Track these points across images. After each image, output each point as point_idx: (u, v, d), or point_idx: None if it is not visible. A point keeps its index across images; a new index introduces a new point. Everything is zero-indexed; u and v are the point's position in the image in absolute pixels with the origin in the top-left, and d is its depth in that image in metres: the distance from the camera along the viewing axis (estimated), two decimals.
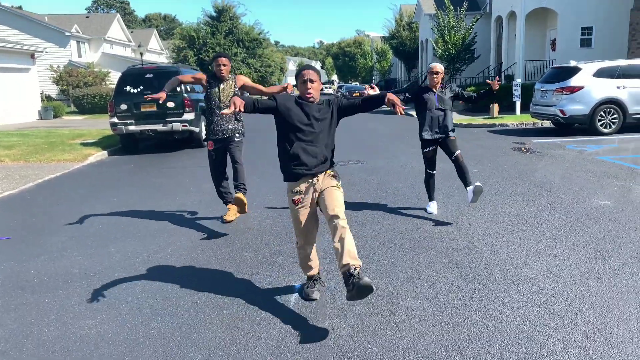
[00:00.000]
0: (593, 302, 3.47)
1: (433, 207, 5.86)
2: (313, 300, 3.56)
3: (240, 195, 5.27)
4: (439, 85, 5.57)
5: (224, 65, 5.48)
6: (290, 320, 3.38)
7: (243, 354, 2.99)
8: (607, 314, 3.29)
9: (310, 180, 3.39)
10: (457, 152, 5.56)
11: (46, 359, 3.01)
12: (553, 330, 3.10)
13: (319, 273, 3.75)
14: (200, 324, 3.37)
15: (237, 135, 5.62)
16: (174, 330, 3.30)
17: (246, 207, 5.32)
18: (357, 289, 2.91)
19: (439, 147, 5.69)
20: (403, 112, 3.32)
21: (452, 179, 7.49)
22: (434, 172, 5.84)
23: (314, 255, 3.65)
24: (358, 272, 2.98)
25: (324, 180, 3.41)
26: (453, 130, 5.66)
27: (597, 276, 3.89)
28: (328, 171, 3.44)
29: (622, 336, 3.02)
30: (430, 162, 5.78)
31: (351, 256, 3.03)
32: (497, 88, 5.59)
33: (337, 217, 3.16)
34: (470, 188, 5.42)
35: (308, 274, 3.71)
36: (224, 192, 5.82)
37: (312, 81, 3.37)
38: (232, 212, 5.74)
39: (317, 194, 3.40)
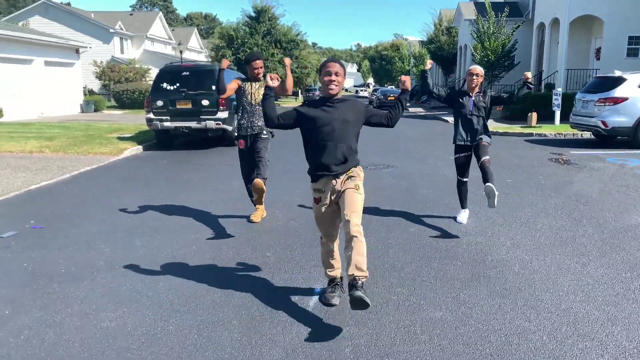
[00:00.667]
0: (627, 324, 3.29)
1: (463, 216, 5.71)
2: (332, 305, 3.49)
3: (259, 180, 5.29)
4: (477, 89, 5.42)
5: (261, 67, 5.54)
6: (308, 324, 3.34)
7: (258, 356, 2.96)
8: None
9: (332, 181, 3.37)
10: (485, 157, 5.34)
11: (66, 349, 3.06)
12: (581, 352, 2.96)
13: (341, 279, 3.67)
14: (218, 323, 3.37)
15: (264, 132, 5.63)
16: (192, 327, 3.31)
17: (264, 195, 5.42)
18: (352, 300, 3.00)
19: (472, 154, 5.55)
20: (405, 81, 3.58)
21: (483, 187, 7.30)
22: (466, 179, 5.69)
23: (336, 253, 3.61)
24: (361, 284, 3.04)
25: (344, 182, 3.37)
26: (489, 136, 5.50)
27: (632, 297, 3.69)
28: (350, 172, 3.40)
29: None
30: (461, 169, 5.63)
31: (358, 267, 3.07)
32: (529, 78, 5.47)
33: (349, 222, 3.18)
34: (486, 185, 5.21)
35: (330, 273, 3.63)
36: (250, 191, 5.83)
37: (337, 74, 3.34)
38: (259, 213, 5.76)
39: (335, 195, 3.39)
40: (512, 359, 2.90)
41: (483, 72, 5.43)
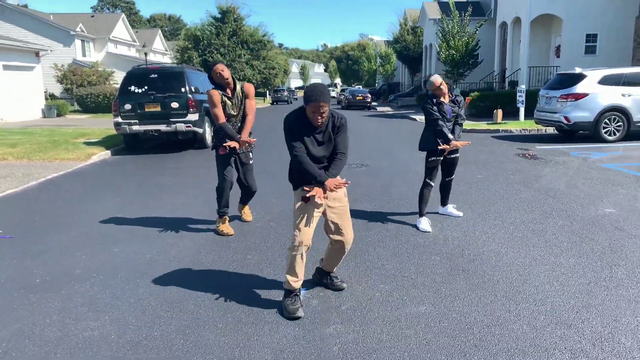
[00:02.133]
0: (600, 311, 3.43)
1: (426, 224, 5.39)
2: (298, 318, 3.39)
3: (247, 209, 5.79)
4: (447, 94, 5.48)
5: (222, 70, 5.10)
6: (295, 324, 3.35)
7: (246, 358, 2.96)
8: (615, 323, 3.26)
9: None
10: (453, 177, 5.84)
11: None
12: (560, 339, 3.07)
13: (299, 290, 3.57)
14: (203, 327, 3.34)
15: (251, 156, 5.52)
16: (177, 332, 3.27)
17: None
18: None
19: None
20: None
21: (455, 182, 7.47)
22: (433, 184, 5.60)
23: (304, 262, 3.50)
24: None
25: (337, 193, 3.52)
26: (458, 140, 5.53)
27: (603, 285, 3.85)
28: (339, 180, 3.45)
29: (630, 346, 2.98)
30: (432, 173, 5.56)
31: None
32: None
33: (348, 244, 3.68)
34: (447, 207, 5.92)
35: (292, 284, 3.46)
36: (226, 200, 5.46)
37: (325, 110, 3.32)
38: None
39: (327, 201, 3.48)
40: (495, 349, 2.99)
41: (441, 78, 5.42)
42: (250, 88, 5.34)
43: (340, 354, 2.98)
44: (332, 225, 3.58)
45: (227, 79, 5.13)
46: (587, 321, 3.30)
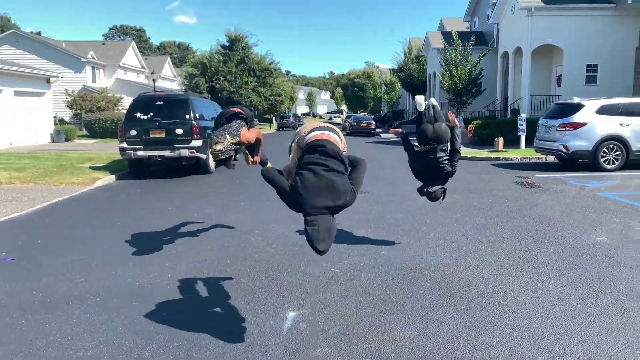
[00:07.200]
0: (582, 337, 3.50)
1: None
2: None
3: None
4: None
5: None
6: (283, 347, 3.44)
7: None
8: (595, 349, 3.33)
9: None
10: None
11: None
12: None
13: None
14: (194, 349, 3.44)
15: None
16: (168, 353, 3.37)
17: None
18: None
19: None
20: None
21: (451, 210, 7.57)
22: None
23: None
24: None
25: None
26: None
27: (588, 312, 3.93)
28: None
29: None
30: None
31: None
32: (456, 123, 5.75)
33: None
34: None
35: None
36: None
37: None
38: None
39: None
40: None
41: None
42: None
43: None
44: None
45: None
46: (568, 347, 3.37)
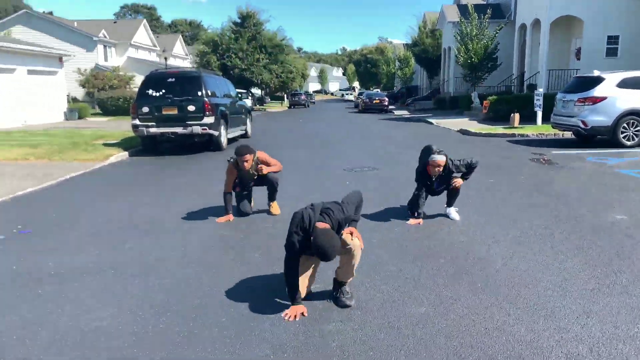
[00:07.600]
0: (601, 317, 3.43)
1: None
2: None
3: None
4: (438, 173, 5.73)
5: (246, 161, 5.86)
6: (296, 321, 3.43)
7: (247, 351, 3.05)
8: (614, 329, 3.26)
9: None
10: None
11: (59, 347, 3.13)
12: (557, 343, 3.09)
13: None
14: (207, 320, 3.45)
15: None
16: (182, 325, 3.38)
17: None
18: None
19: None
20: None
21: (466, 186, 7.46)
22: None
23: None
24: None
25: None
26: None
27: (606, 291, 3.84)
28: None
29: (627, 352, 2.98)
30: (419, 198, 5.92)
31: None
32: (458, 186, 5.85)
33: (356, 247, 3.66)
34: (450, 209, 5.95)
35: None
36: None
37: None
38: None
39: None
40: (491, 351, 3.02)
41: (444, 161, 5.65)
42: (262, 156, 6.13)
43: (337, 350, 3.05)
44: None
45: (246, 168, 5.93)
46: (586, 327, 3.30)
